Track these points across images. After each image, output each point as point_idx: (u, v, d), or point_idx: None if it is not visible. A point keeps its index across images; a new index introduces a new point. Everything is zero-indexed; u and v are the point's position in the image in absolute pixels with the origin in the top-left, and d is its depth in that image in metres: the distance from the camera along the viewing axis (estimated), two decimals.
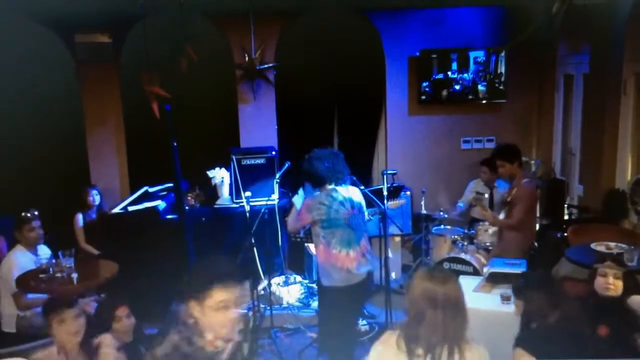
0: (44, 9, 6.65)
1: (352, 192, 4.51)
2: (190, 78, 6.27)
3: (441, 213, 6.63)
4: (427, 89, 7.68)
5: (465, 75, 7.64)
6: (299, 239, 5.88)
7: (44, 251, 5.18)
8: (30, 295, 4.81)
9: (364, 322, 5.70)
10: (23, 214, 5.07)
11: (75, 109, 7.73)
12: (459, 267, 5.76)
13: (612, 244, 4.99)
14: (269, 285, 6.18)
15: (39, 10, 6.74)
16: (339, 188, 4.41)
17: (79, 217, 6.69)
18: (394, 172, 6.61)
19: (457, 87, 7.67)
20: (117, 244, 5.82)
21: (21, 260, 4.97)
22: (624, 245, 4.89)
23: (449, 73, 7.64)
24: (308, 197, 4.47)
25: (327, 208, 4.31)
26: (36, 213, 5.09)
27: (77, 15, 6.90)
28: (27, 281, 4.63)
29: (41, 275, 4.63)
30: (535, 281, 3.44)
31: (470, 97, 7.70)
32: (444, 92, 7.67)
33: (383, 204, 5.35)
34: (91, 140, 7.82)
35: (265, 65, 7.49)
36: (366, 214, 4.76)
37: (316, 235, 4.41)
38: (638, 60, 5.95)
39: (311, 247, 5.85)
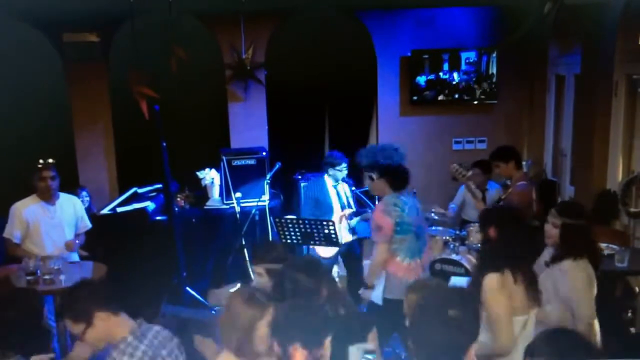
0: (31, 8, 6.58)
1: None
2: (180, 78, 6.22)
3: (432, 214, 6.60)
4: (418, 90, 7.66)
5: (457, 75, 7.63)
6: (289, 240, 5.83)
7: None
8: None
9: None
10: (40, 162, 5.04)
11: (63, 109, 7.67)
12: (450, 268, 5.72)
13: (603, 245, 4.98)
14: None
15: (27, 10, 6.67)
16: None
17: None
18: None
19: (449, 87, 7.65)
20: (106, 245, 5.77)
21: (25, 208, 5.00)
22: (615, 246, 4.89)
23: (441, 73, 7.63)
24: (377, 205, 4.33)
25: (401, 210, 4.18)
26: (50, 161, 5.05)
27: (65, 14, 6.83)
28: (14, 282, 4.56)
29: (28, 278, 4.56)
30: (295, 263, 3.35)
31: (461, 97, 7.69)
32: (436, 93, 7.66)
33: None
34: (80, 141, 7.76)
35: (257, 64, 7.45)
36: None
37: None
38: (629, 61, 5.96)
39: (318, 250, 5.72)
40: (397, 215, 4.15)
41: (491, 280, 3.08)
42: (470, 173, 5.69)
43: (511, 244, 3.19)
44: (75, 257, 5.24)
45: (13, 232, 4.99)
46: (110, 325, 2.79)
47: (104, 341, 2.80)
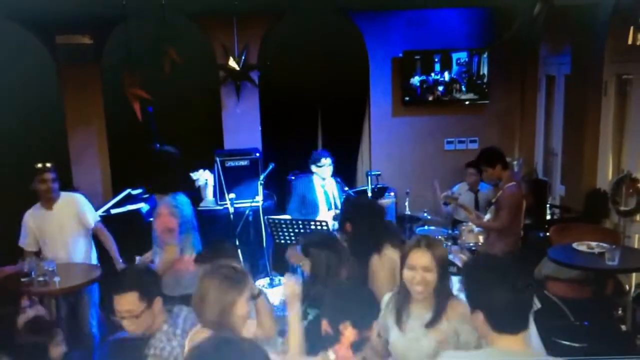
0: (23, 10, 6.57)
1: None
2: (173, 79, 6.24)
3: (425, 214, 6.64)
4: (410, 90, 7.70)
5: (448, 76, 7.67)
6: (282, 241, 5.86)
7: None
8: None
9: None
10: (39, 165, 4.96)
11: (56, 111, 7.65)
12: None
13: (594, 244, 5.04)
14: None
15: (19, 11, 6.66)
16: None
17: None
18: (378, 173, 6.62)
19: (440, 88, 7.70)
20: (100, 247, 5.76)
21: (31, 217, 5.01)
22: (605, 245, 4.94)
23: (432, 74, 7.67)
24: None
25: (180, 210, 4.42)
26: (49, 165, 4.97)
27: (58, 16, 6.82)
28: (7, 284, 4.57)
29: (23, 279, 4.57)
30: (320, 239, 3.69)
31: (453, 97, 7.73)
32: (427, 93, 7.70)
33: None
34: (73, 143, 7.75)
35: (250, 66, 7.47)
36: None
37: None
38: (618, 62, 6.02)
39: None
40: (179, 216, 4.34)
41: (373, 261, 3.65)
42: (459, 200, 5.85)
43: (361, 235, 3.75)
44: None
45: (25, 241, 5.02)
46: (158, 313, 2.96)
47: (148, 327, 2.94)
